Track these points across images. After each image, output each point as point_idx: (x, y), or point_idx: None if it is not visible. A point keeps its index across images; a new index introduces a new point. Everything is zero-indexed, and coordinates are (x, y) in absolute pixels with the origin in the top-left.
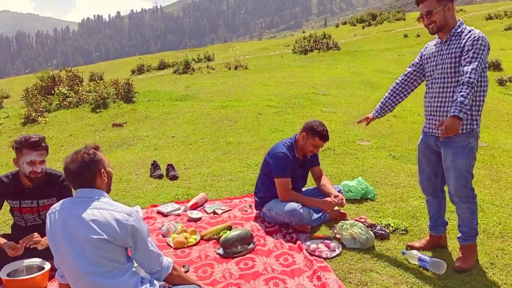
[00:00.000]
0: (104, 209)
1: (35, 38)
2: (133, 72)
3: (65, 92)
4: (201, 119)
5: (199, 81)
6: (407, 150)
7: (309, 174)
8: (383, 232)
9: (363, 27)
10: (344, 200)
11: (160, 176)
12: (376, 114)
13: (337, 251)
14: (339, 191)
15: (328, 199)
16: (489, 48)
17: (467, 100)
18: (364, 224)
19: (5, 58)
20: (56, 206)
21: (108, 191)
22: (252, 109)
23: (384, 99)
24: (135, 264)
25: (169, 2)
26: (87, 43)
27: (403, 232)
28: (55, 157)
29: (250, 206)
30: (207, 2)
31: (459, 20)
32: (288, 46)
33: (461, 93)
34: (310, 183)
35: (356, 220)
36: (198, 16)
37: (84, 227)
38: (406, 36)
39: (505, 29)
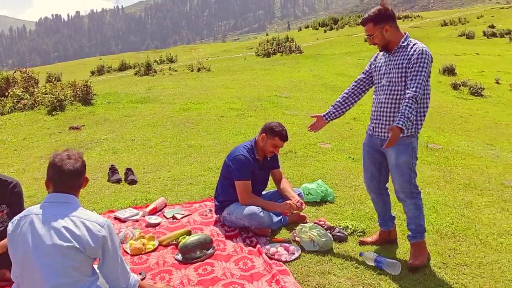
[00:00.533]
0: (77, 217)
1: None
2: (92, 73)
3: (20, 94)
4: (162, 122)
5: (160, 83)
6: None
7: (270, 177)
8: (341, 234)
9: (325, 31)
10: (303, 204)
11: (118, 181)
12: (328, 118)
13: (296, 254)
14: (298, 194)
15: (287, 202)
16: (432, 60)
17: (411, 115)
18: (323, 227)
19: None
20: (24, 212)
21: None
22: (215, 111)
23: (336, 104)
24: (100, 279)
25: (130, 2)
26: (45, 42)
27: (361, 233)
28: (8, 161)
29: (211, 210)
30: (169, 3)
31: (405, 34)
32: (251, 48)
33: (408, 109)
34: (271, 186)
35: (315, 223)
36: (160, 17)
37: (55, 233)
38: (366, 40)
39: (459, 35)
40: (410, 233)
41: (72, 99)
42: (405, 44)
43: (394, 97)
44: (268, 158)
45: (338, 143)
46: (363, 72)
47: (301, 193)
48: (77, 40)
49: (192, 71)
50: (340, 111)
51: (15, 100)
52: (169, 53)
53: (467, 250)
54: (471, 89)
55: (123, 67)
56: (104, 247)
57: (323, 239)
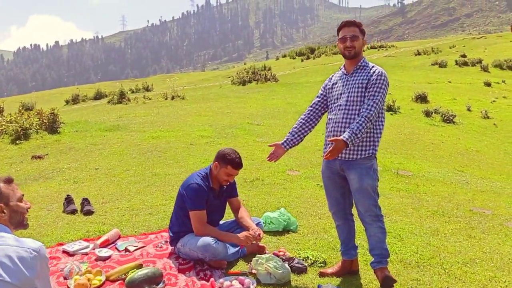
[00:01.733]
0: (5, 245)
1: None
2: (67, 102)
3: None
4: (129, 150)
5: (132, 111)
6: None
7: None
8: (300, 265)
9: (302, 60)
10: (261, 234)
11: (73, 211)
12: (287, 145)
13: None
14: (258, 224)
15: (244, 233)
16: (388, 84)
17: (360, 133)
18: (282, 258)
19: None
20: None
21: (20, 227)
22: (184, 139)
23: (294, 131)
24: None
25: (110, 32)
26: (23, 72)
27: (322, 264)
28: None
29: (166, 241)
30: (149, 33)
31: (364, 56)
32: (229, 77)
33: (358, 126)
34: (229, 215)
35: (274, 254)
36: (140, 47)
37: None
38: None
39: (432, 64)
40: (374, 259)
41: (38, 127)
42: (363, 65)
43: (352, 116)
44: (225, 187)
45: (307, 170)
46: (317, 96)
47: (260, 222)
48: (55, 70)
49: (166, 99)
50: (298, 138)
51: None
52: (145, 82)
53: (431, 280)
54: (443, 116)
55: (98, 96)
56: (39, 274)
57: (280, 271)
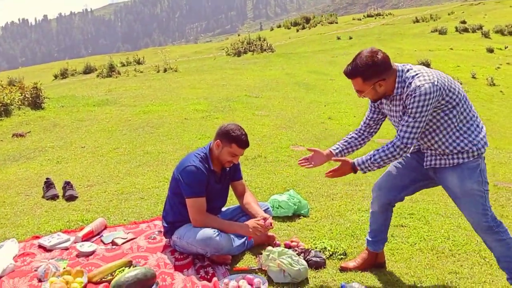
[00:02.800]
0: None
1: None
2: (56, 76)
3: None
4: (118, 126)
5: (123, 84)
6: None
7: (231, 190)
8: (318, 259)
9: (297, 30)
10: (271, 223)
11: (54, 197)
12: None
13: None
14: (266, 210)
15: (252, 222)
16: (430, 92)
17: (379, 162)
18: (296, 251)
19: None
20: None
21: None
22: (178, 114)
23: (347, 141)
24: None
25: (99, 5)
26: (12, 48)
27: (342, 256)
28: None
29: (160, 231)
30: (140, 5)
31: (400, 71)
32: (223, 49)
33: (379, 152)
34: (232, 201)
35: (286, 245)
36: (131, 19)
37: None
38: (339, 38)
39: (431, 31)
40: (507, 273)
41: (20, 103)
42: (399, 92)
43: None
44: (227, 169)
45: (312, 145)
46: (369, 110)
47: (268, 208)
48: (45, 44)
49: (158, 72)
50: (350, 149)
51: None
52: (136, 55)
53: (471, 273)
54: None
55: (88, 70)
56: None
57: (296, 268)
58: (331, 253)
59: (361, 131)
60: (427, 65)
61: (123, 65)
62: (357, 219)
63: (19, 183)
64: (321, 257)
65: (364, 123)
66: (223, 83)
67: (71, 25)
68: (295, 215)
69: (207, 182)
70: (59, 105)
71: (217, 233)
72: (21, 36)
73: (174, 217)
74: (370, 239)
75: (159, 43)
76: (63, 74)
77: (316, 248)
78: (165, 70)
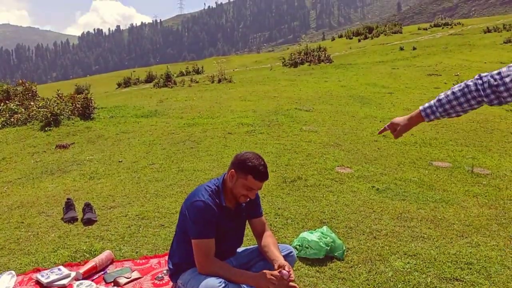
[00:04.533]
0: None
1: (35, 51)
2: (119, 85)
3: (14, 108)
4: (160, 140)
5: (175, 95)
6: (394, 181)
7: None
8: None
9: (359, 40)
10: (292, 274)
11: (72, 220)
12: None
13: None
14: (288, 255)
15: (265, 273)
16: None
17: (442, 102)
18: None
19: (5, 71)
20: None
21: None
22: (222, 127)
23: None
24: None
25: (168, 16)
26: (87, 56)
27: None
28: None
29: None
30: (206, 16)
31: None
32: (281, 59)
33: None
34: (250, 240)
35: None
36: (197, 30)
37: None
38: (401, 49)
39: (504, 42)
40: None
41: (70, 113)
42: None
43: None
44: (243, 204)
45: (361, 167)
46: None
47: (292, 252)
48: (117, 53)
49: (213, 82)
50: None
51: (8, 115)
52: (196, 64)
53: None
54: None
55: (149, 79)
56: None
57: None
58: None
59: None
60: None
61: (182, 75)
62: (402, 268)
63: (45, 200)
64: None
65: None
66: (274, 95)
67: (141, 35)
68: (328, 257)
69: (217, 221)
70: (109, 115)
71: (223, 285)
72: (96, 45)
73: (181, 258)
74: None
75: (223, 53)
76: (126, 83)
77: None
78: (219, 81)
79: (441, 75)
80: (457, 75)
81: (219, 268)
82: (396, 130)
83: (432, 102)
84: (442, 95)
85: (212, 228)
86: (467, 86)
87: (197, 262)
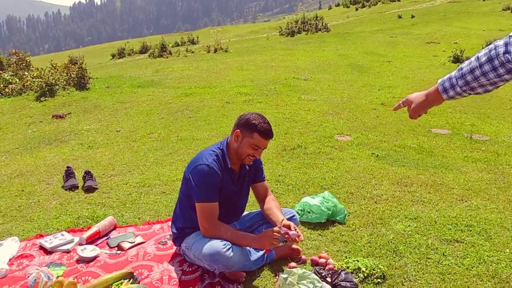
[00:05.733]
0: None
1: (26, 22)
2: (113, 56)
3: (8, 78)
4: (158, 109)
5: (171, 65)
6: (394, 147)
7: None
8: (348, 284)
9: (357, 9)
10: (300, 234)
11: (73, 187)
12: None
13: None
14: (291, 218)
15: (267, 233)
16: None
17: (464, 73)
18: (320, 273)
19: None
20: None
21: None
22: (220, 97)
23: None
24: None
25: None
26: (79, 27)
27: (379, 280)
28: None
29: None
30: None
31: None
32: (277, 29)
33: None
34: (252, 203)
35: (313, 261)
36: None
37: None
38: (400, 17)
39: (503, 9)
40: None
41: (65, 83)
42: None
43: None
44: (247, 167)
45: (360, 135)
46: None
47: (294, 216)
48: (109, 24)
49: (209, 52)
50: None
51: (2, 85)
52: (191, 35)
53: None
54: None
55: (144, 50)
56: None
57: None
58: (365, 275)
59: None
60: None
61: (177, 45)
62: (403, 230)
63: (44, 169)
64: (352, 281)
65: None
66: (272, 65)
67: (134, 5)
68: (329, 221)
69: (221, 184)
70: (104, 85)
71: (228, 247)
72: (88, 16)
73: (184, 222)
74: None
75: (218, 23)
76: (120, 54)
77: (348, 268)
78: (215, 51)
79: (439, 43)
80: (456, 42)
81: (223, 231)
82: (411, 108)
83: (452, 73)
84: (464, 63)
85: (216, 192)
86: (496, 47)
87: (201, 226)
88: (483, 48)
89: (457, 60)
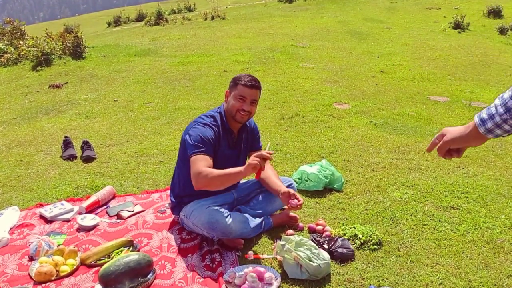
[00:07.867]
0: None
1: None
2: (109, 24)
3: (3, 47)
4: (155, 78)
5: (168, 33)
6: (392, 115)
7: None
8: (345, 250)
9: None
10: (301, 200)
11: (71, 157)
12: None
13: (274, 286)
14: (289, 186)
15: (252, 159)
16: None
17: (498, 108)
18: (319, 238)
19: None
20: None
21: None
22: (217, 65)
23: None
24: None
25: None
26: None
27: (376, 246)
28: None
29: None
30: None
31: None
32: None
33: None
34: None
35: (310, 228)
36: None
37: None
38: None
39: None
40: None
41: (61, 52)
42: None
43: None
44: (243, 135)
45: (358, 103)
46: None
47: (292, 184)
48: None
49: (206, 19)
50: None
51: None
52: (188, 2)
53: None
54: None
55: (140, 18)
56: None
57: (315, 264)
58: (362, 242)
59: None
60: (498, 11)
61: (174, 13)
62: (399, 197)
63: (42, 139)
64: (349, 247)
65: None
66: (270, 32)
67: None
68: (327, 189)
69: (218, 144)
70: (100, 54)
71: (226, 215)
72: None
73: (181, 190)
74: None
75: None
76: (116, 22)
77: (345, 235)
78: (212, 18)
79: (440, 8)
80: (457, 8)
81: (210, 178)
82: (443, 140)
83: (493, 104)
84: (507, 91)
85: (211, 147)
86: None
87: (192, 177)
88: (484, 13)
89: (457, 26)
